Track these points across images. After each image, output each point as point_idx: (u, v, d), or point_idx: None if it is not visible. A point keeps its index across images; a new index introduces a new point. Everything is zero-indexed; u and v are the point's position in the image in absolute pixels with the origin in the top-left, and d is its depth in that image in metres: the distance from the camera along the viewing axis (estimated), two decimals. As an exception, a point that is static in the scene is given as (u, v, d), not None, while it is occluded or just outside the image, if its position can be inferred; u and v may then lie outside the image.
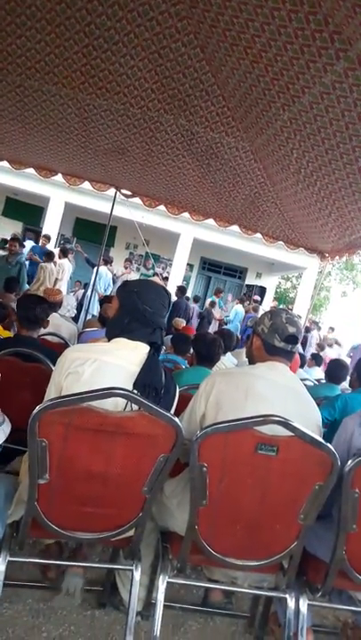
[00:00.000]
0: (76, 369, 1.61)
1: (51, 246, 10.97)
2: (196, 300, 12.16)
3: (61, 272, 9.09)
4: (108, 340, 1.77)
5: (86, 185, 6.75)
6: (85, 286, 11.03)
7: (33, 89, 4.29)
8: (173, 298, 9.44)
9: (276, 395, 1.72)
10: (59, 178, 6.71)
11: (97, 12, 3.16)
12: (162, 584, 1.73)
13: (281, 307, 15.44)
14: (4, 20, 3.42)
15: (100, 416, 1.44)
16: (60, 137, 5.17)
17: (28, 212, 15.25)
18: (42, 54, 3.71)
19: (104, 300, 4.76)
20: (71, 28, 3.36)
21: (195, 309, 11.39)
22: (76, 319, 8.79)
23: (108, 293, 9.29)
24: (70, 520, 1.60)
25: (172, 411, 1.77)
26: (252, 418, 1.49)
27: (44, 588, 2.16)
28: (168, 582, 1.75)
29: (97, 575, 2.31)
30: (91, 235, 14.05)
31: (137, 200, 6.70)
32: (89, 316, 8.09)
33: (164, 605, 1.75)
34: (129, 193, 6.53)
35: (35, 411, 1.40)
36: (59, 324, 3.99)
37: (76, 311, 9.74)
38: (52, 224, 13.62)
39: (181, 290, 10.79)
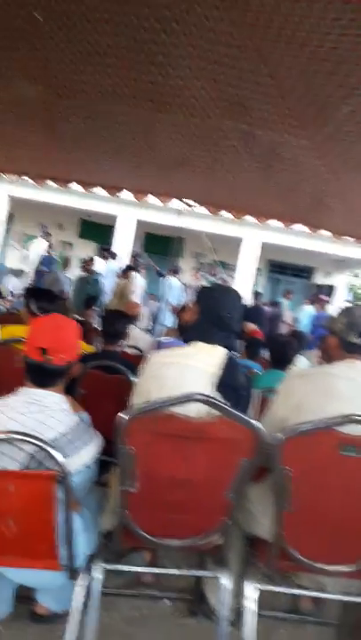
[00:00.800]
0: (160, 372, 1.67)
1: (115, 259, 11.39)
2: (272, 304, 12.00)
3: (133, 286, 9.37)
4: (187, 344, 1.82)
5: (153, 200, 6.93)
6: (159, 299, 11.26)
7: (101, 113, 4.48)
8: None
9: (358, 393, 1.67)
10: (128, 197, 6.93)
11: (155, 30, 3.26)
12: (250, 591, 1.73)
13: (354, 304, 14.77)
14: (67, 49, 3.61)
15: (183, 422, 1.47)
16: (128, 157, 5.34)
17: (100, 232, 15.82)
18: (114, 78, 3.87)
19: (181, 311, 4.83)
20: (133, 51, 3.47)
21: (267, 313, 11.25)
22: (150, 332, 8.98)
23: (180, 303, 9.42)
24: (159, 527, 1.64)
25: (252, 413, 1.78)
26: (334, 418, 1.46)
27: (138, 596, 2.22)
28: (257, 589, 1.74)
29: (185, 583, 2.34)
30: (160, 248, 14.32)
31: (202, 210, 6.77)
32: (161, 328, 8.28)
33: (253, 613, 1.74)
34: (194, 203, 6.60)
35: (120, 419, 1.46)
36: (137, 337, 4.10)
37: (152, 323, 9.97)
38: (123, 241, 14.05)
39: (256, 295, 10.80)
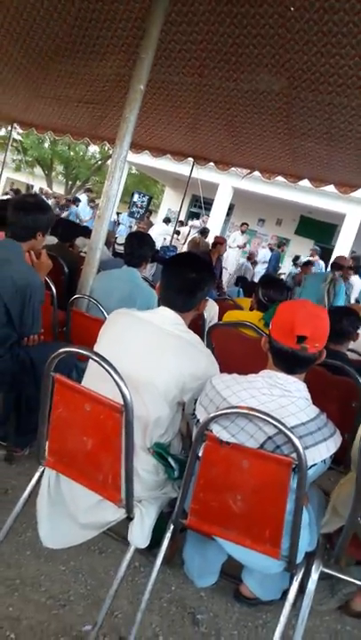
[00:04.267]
0: None
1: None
2: None
3: (351, 289, 8.98)
4: None
5: (387, 198, 6.45)
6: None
7: (342, 105, 4.30)
8: None
9: None
10: (356, 194, 6.58)
11: None
12: None
13: None
14: (319, 41, 3.53)
15: None
16: (366, 152, 5.05)
17: (320, 230, 15.45)
18: (355, 70, 3.68)
19: None
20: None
21: None
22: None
23: None
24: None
25: None
26: None
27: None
28: None
29: None
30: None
31: None
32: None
33: None
34: None
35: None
36: (361, 342, 3.86)
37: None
38: (345, 241, 13.46)
39: None
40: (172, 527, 1.72)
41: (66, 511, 1.78)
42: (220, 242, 7.41)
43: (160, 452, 1.66)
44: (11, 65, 5.09)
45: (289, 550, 1.52)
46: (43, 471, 1.84)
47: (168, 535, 1.73)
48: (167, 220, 13.66)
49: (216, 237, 8.28)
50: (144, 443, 1.67)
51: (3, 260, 2.26)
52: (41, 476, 1.84)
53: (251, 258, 12.46)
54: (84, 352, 1.51)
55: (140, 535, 1.68)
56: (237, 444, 1.48)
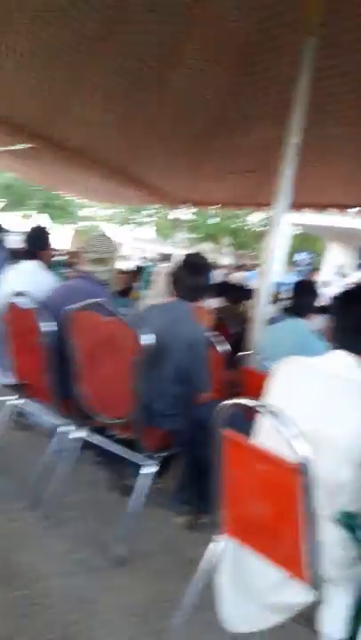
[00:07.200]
0: None
1: None
2: None
3: None
4: None
5: None
6: None
7: None
8: None
9: None
10: None
11: None
12: None
13: None
14: None
15: None
16: None
17: None
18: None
19: None
20: None
21: None
22: None
23: None
24: None
25: None
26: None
27: None
28: None
29: None
30: None
31: None
32: None
33: None
34: None
35: None
36: None
37: None
38: None
39: None
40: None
41: (249, 588, 1.60)
42: None
43: (347, 522, 1.40)
44: (170, 149, 5.56)
45: None
46: (223, 540, 1.70)
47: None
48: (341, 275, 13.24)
49: None
50: (329, 511, 1.43)
51: (174, 319, 2.31)
52: (221, 546, 1.70)
53: None
54: (248, 403, 1.38)
55: (331, 622, 1.41)
56: None
